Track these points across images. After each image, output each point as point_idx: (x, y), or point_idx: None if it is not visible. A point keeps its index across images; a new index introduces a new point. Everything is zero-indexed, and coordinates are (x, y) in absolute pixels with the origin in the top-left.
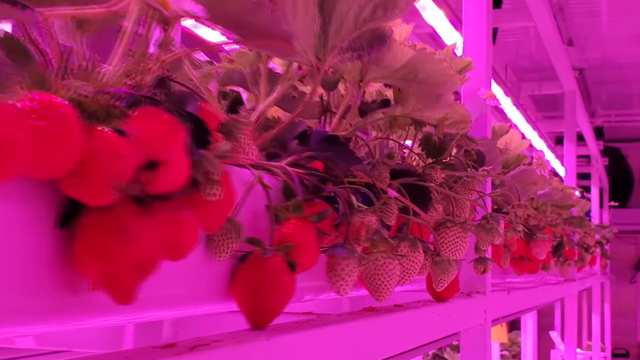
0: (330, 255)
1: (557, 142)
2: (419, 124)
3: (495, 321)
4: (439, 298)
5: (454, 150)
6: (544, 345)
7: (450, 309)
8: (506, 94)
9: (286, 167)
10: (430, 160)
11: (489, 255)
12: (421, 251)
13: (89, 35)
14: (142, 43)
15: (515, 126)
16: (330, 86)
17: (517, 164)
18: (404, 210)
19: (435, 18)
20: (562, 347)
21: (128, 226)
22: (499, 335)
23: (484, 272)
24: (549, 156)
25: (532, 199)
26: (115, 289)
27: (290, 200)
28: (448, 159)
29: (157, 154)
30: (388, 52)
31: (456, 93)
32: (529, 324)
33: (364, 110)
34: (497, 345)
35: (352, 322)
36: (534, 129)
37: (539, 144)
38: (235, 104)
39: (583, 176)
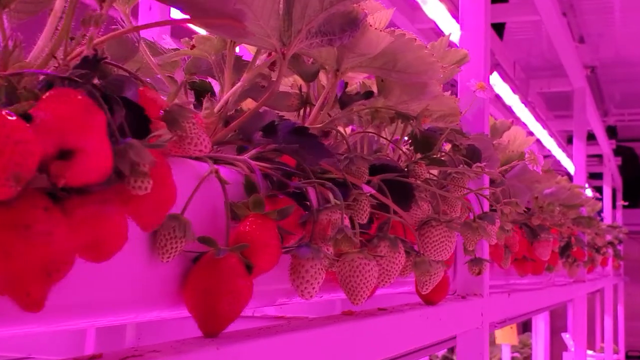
0: (293, 256)
1: (568, 141)
2: (404, 117)
3: (500, 324)
4: (428, 301)
5: (449, 146)
6: (557, 348)
7: (441, 312)
8: (514, 91)
9: (249, 160)
10: (419, 156)
11: (486, 256)
12: (402, 251)
13: (17, 15)
14: (66, 21)
15: (524, 124)
16: (310, 77)
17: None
18: (384, 208)
19: (437, 12)
20: (574, 349)
21: (34, 223)
22: (509, 337)
23: (479, 273)
24: (560, 156)
25: (537, 198)
26: (19, 294)
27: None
28: (439, 155)
29: (70, 142)
30: (362, 38)
31: (452, 86)
32: (540, 325)
33: (345, 102)
34: (507, 348)
35: (323, 327)
36: (543, 127)
37: (549, 142)
38: (202, 94)
39: (595, 176)
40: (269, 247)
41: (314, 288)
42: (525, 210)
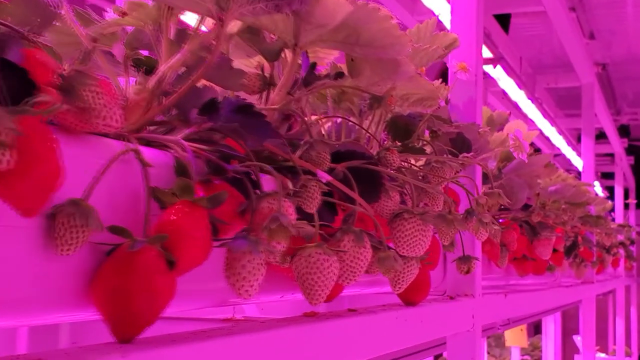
0: (228, 250)
1: (579, 140)
2: (376, 100)
3: (505, 326)
4: (408, 302)
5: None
6: (569, 350)
7: (423, 314)
8: (519, 86)
9: (180, 141)
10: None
11: (478, 253)
12: (368, 246)
13: None
14: None
15: (532, 121)
16: (272, 55)
17: None
18: (352, 199)
19: (435, 3)
20: None
21: None
22: (519, 339)
23: (467, 272)
24: (570, 154)
25: (538, 194)
26: None
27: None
28: (420, 144)
29: None
30: (317, 6)
31: (444, 77)
32: (550, 327)
33: (309, 82)
34: (517, 350)
35: (273, 331)
36: (552, 124)
37: (558, 140)
38: (146, 72)
39: (607, 175)
40: (195, 238)
41: (252, 286)
42: (526, 207)
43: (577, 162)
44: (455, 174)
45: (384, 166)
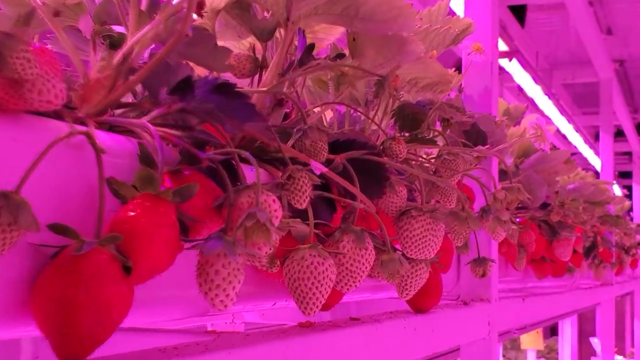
0: (200, 253)
1: (596, 138)
2: (380, 83)
3: (521, 330)
4: (418, 308)
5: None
6: (586, 352)
7: (434, 322)
8: (536, 81)
9: (146, 124)
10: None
11: (494, 255)
12: (370, 247)
13: None
14: None
15: (548, 118)
16: (265, 35)
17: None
18: (350, 194)
19: None
20: None
21: None
22: (534, 341)
23: (483, 275)
24: (587, 153)
25: (557, 192)
26: None
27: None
28: (432, 135)
29: None
30: None
31: (457, 69)
32: (567, 330)
33: (304, 62)
34: (533, 353)
35: (259, 345)
36: (569, 121)
37: (575, 138)
38: (111, 46)
39: (625, 175)
40: (157, 238)
41: (227, 295)
42: (544, 205)
43: (595, 161)
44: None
45: (390, 158)
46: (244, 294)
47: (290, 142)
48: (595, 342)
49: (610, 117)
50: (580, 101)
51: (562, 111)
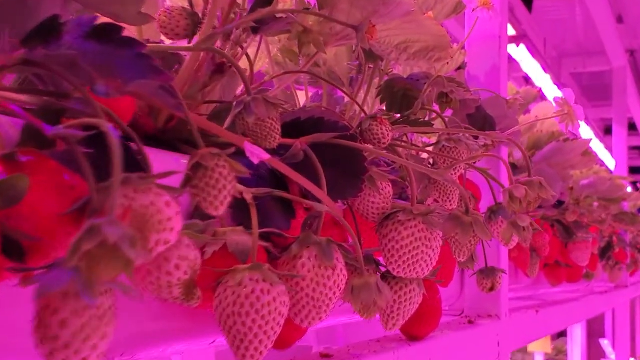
0: (36, 290)
1: (606, 132)
2: (351, 30)
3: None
4: (412, 336)
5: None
6: (594, 354)
7: (432, 351)
8: (545, 70)
9: None
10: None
11: (504, 264)
12: (341, 267)
13: None
14: None
15: None
16: None
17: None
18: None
19: None
20: (613, 356)
21: None
22: (542, 344)
23: (491, 289)
24: (598, 147)
25: (572, 189)
26: None
27: None
28: (429, 118)
29: None
30: None
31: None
32: (576, 331)
33: (252, 11)
34: (541, 356)
35: None
36: None
37: (586, 131)
38: None
39: (636, 170)
40: None
41: (79, 354)
42: (558, 203)
43: (604, 156)
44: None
45: (370, 143)
46: (169, 331)
47: (228, 121)
48: (605, 343)
49: (624, 108)
50: (589, 94)
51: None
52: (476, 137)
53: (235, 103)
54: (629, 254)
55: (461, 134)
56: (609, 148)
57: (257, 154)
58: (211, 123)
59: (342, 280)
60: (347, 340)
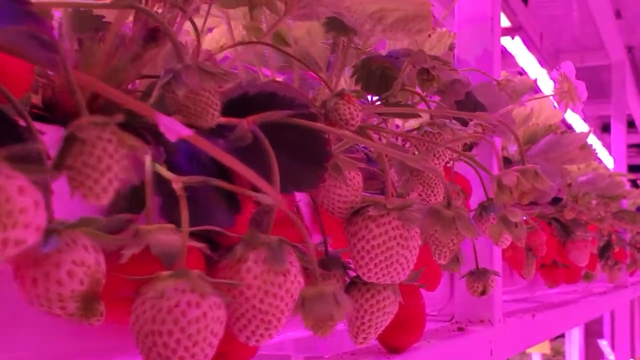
0: None
1: (603, 129)
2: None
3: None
4: (392, 347)
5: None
6: (592, 355)
7: None
8: (541, 64)
9: None
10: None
11: (497, 266)
12: (295, 272)
13: None
14: None
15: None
16: None
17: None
18: (285, 185)
19: None
20: (612, 357)
21: None
22: (540, 345)
23: (483, 293)
24: (595, 144)
25: (570, 185)
26: None
27: None
28: (411, 101)
29: None
30: None
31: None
32: (574, 332)
33: None
34: (538, 357)
35: None
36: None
37: (583, 128)
38: None
39: (635, 168)
40: None
41: None
42: (555, 200)
43: (602, 153)
44: (463, 145)
45: (336, 125)
46: (92, 351)
47: (155, 95)
48: (603, 344)
49: (623, 104)
50: (586, 90)
51: None
52: (465, 124)
53: (162, 72)
54: (628, 254)
55: (447, 120)
56: (606, 146)
57: (174, 130)
58: (116, 91)
59: (296, 289)
60: (328, 350)
